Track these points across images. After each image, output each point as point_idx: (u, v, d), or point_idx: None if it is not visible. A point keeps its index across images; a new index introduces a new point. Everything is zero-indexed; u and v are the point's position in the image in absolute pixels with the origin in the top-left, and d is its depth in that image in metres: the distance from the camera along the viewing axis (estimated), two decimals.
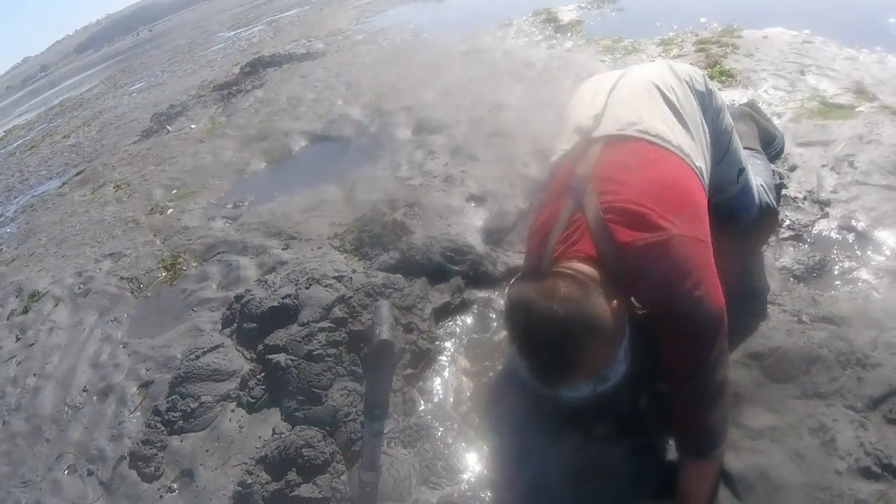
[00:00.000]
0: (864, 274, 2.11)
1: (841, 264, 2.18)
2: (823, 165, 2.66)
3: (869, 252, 2.19)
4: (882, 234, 2.24)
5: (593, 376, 1.56)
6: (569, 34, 5.86)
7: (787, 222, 2.40)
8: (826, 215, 2.39)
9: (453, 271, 2.67)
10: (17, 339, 3.59)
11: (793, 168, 2.69)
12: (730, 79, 3.70)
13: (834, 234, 2.31)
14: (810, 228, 2.35)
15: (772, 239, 2.36)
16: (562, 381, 1.52)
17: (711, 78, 3.66)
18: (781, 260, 2.25)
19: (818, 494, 1.52)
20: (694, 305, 1.48)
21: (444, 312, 2.53)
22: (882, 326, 1.87)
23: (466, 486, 1.83)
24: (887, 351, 1.78)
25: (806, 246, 2.29)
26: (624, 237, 1.53)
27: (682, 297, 1.49)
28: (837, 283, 2.12)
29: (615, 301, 1.51)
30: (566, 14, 6.46)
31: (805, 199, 2.50)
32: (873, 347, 1.81)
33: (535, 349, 1.49)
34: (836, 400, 1.72)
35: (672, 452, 1.71)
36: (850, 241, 2.26)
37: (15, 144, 12.31)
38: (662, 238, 1.50)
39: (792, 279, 2.16)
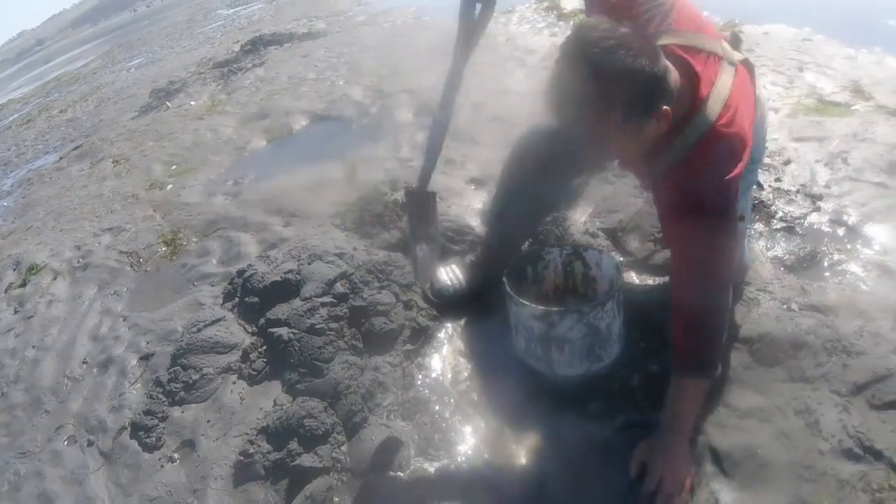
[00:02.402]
0: (852, 266, 2.17)
1: (831, 256, 2.24)
2: (818, 161, 2.72)
3: (858, 246, 2.26)
4: (872, 229, 2.30)
5: (593, 137, 1.51)
6: (571, 23, 5.87)
7: (780, 214, 2.46)
8: (818, 209, 2.46)
9: (453, 251, 2.72)
10: (16, 312, 3.61)
11: (787, 162, 2.74)
12: None
13: (825, 228, 2.38)
14: (802, 221, 2.42)
15: (764, 229, 2.42)
16: (565, 108, 1.47)
17: None
18: (773, 250, 2.31)
19: (802, 473, 1.59)
20: (724, 194, 1.50)
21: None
22: (868, 316, 1.94)
23: (463, 458, 1.88)
24: (872, 340, 1.85)
25: (797, 238, 2.35)
26: (731, 125, 1.50)
27: (712, 180, 1.50)
28: (827, 274, 2.18)
29: (668, 108, 1.43)
30: (569, 3, 6.46)
31: (798, 192, 2.56)
32: (859, 336, 1.87)
33: (562, 71, 1.42)
34: (822, 384, 1.78)
35: None
36: (841, 235, 2.33)
37: (11, 118, 12.19)
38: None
39: (783, 269, 2.23)
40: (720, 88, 1.54)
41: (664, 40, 1.55)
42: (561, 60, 1.43)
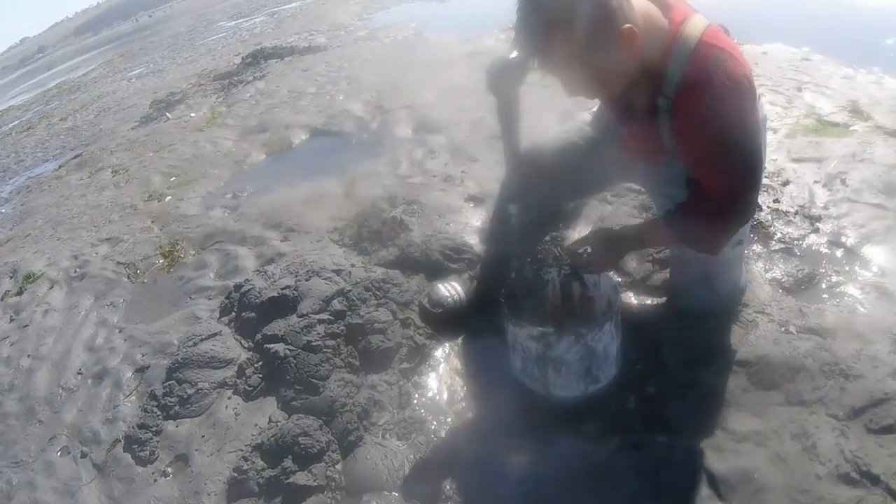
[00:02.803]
0: (850, 289, 2.17)
1: (829, 278, 2.24)
2: (816, 181, 2.73)
3: (856, 268, 2.26)
4: (870, 251, 2.30)
5: (559, 66, 1.50)
6: None
7: (779, 235, 2.47)
8: (816, 230, 2.46)
9: (451, 269, 2.71)
10: (12, 320, 3.60)
11: (786, 183, 2.75)
12: None
13: (823, 249, 2.38)
14: (801, 242, 2.42)
15: (763, 250, 2.42)
16: (526, 43, 1.48)
17: None
18: (771, 272, 2.31)
19: (799, 497, 1.58)
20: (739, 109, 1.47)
21: None
22: (866, 339, 1.94)
23: (459, 479, 1.86)
24: (870, 363, 1.85)
25: (796, 259, 2.35)
26: (714, 47, 1.46)
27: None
28: (825, 296, 2.18)
29: (630, 26, 1.40)
30: None
31: (797, 213, 2.56)
32: (856, 359, 1.87)
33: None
34: (819, 408, 1.78)
35: (658, 452, 1.77)
36: (839, 257, 2.33)
37: (11, 125, 12.21)
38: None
39: (781, 290, 2.23)
40: (697, 19, 1.51)
41: None
42: None
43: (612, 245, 1.89)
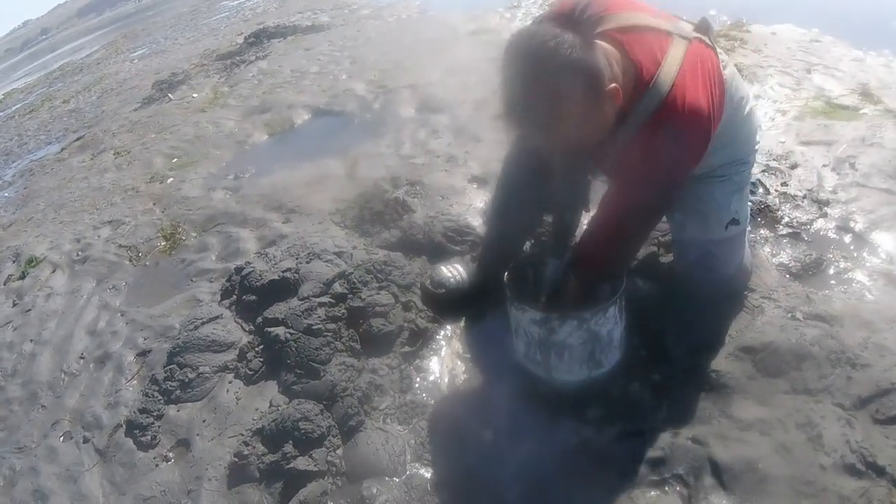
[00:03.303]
0: (858, 275, 2.14)
1: (836, 264, 2.21)
2: (825, 165, 2.68)
3: (864, 254, 2.23)
4: (878, 237, 2.27)
5: (558, 134, 1.57)
6: None
7: (786, 219, 2.43)
8: (825, 215, 2.42)
9: (454, 251, 2.69)
10: (14, 305, 3.59)
11: (794, 166, 2.71)
12: None
13: (831, 234, 2.34)
14: (808, 227, 2.38)
15: (770, 235, 2.38)
16: (525, 118, 1.55)
17: None
18: (778, 256, 2.28)
19: (803, 488, 1.56)
20: (678, 150, 1.60)
21: None
22: (873, 328, 1.91)
23: (460, 463, 1.86)
24: (877, 352, 1.82)
25: (803, 244, 2.32)
26: (684, 99, 1.55)
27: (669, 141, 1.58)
28: (832, 282, 2.15)
29: (616, 85, 1.50)
30: None
31: (805, 197, 2.52)
32: (863, 348, 1.84)
33: (512, 78, 1.50)
34: (825, 397, 1.75)
35: (661, 439, 1.76)
36: (847, 242, 2.30)
37: (14, 108, 12.18)
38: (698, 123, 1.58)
39: (788, 276, 2.20)
40: (669, 62, 1.57)
41: (602, 27, 1.58)
42: (513, 71, 1.50)
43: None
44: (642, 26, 1.62)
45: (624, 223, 1.76)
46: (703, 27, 1.76)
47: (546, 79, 1.43)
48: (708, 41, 1.74)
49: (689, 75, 1.58)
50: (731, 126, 1.82)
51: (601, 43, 1.53)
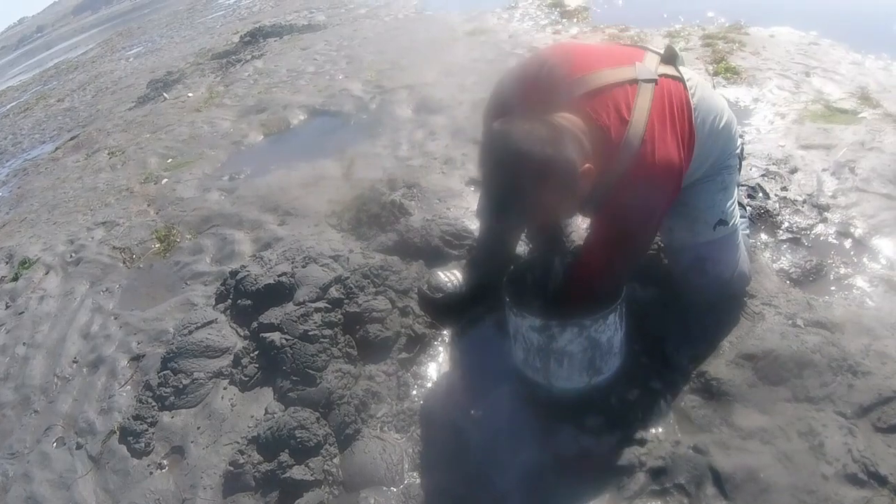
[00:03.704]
0: (859, 281, 2.13)
1: (837, 270, 2.20)
2: (824, 170, 2.67)
3: (865, 260, 2.22)
4: (879, 243, 2.26)
5: (542, 218, 1.80)
6: (575, 20, 5.82)
7: (786, 224, 2.42)
8: (825, 220, 2.41)
9: (451, 255, 2.66)
10: (7, 307, 3.55)
11: (794, 170, 2.69)
12: (735, 76, 3.69)
13: (831, 240, 2.33)
14: (808, 232, 2.37)
15: (770, 240, 2.37)
16: (510, 211, 1.64)
17: (716, 74, 3.66)
18: (779, 262, 2.26)
19: (805, 498, 1.55)
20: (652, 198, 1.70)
21: None
22: (874, 335, 1.90)
23: (457, 472, 1.84)
24: (878, 360, 1.81)
25: (803, 249, 2.31)
26: (654, 152, 1.63)
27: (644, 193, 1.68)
28: (833, 288, 2.14)
29: (589, 165, 1.58)
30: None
31: (805, 202, 2.51)
32: (865, 355, 1.83)
33: (492, 169, 1.62)
34: (827, 405, 1.74)
35: (662, 447, 1.74)
36: (847, 248, 2.28)
37: (8, 106, 12.07)
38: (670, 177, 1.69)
39: (788, 282, 2.18)
40: (636, 117, 1.64)
41: (569, 96, 1.67)
42: (495, 171, 1.61)
43: None
44: (607, 86, 1.67)
45: (610, 257, 1.82)
46: (669, 56, 1.83)
47: (526, 179, 1.52)
48: (675, 72, 1.80)
49: (658, 124, 1.65)
50: (706, 146, 1.85)
51: (568, 117, 1.62)
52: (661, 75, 1.73)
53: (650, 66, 1.75)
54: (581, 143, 1.59)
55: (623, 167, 1.63)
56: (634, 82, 1.68)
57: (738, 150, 2.06)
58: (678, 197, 1.85)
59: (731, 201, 2.00)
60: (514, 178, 1.54)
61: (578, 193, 1.61)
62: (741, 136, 2.10)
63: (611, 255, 1.80)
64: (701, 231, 1.96)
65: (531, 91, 1.76)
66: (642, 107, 1.65)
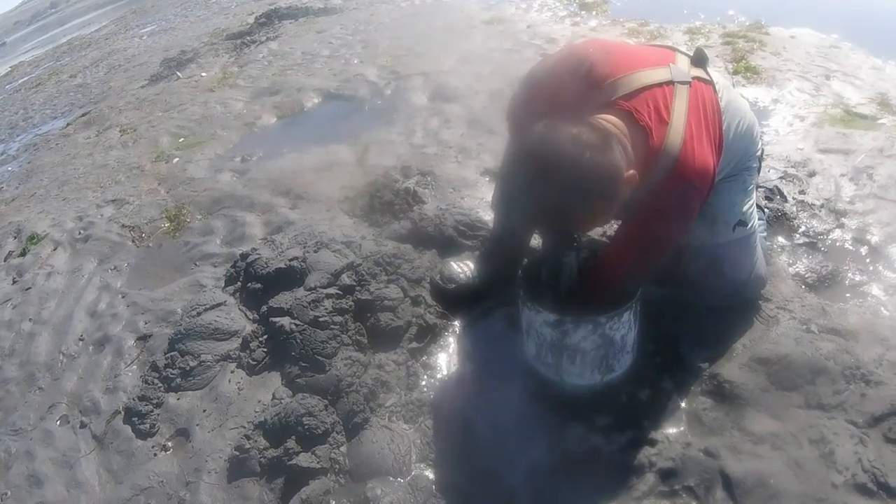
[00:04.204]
0: (874, 289, 2.12)
1: (852, 277, 2.18)
2: (843, 175, 2.65)
3: (880, 267, 2.20)
4: (894, 251, 2.23)
5: (582, 226, 1.77)
6: (594, 12, 5.76)
7: (803, 228, 2.40)
8: (842, 225, 2.39)
9: (464, 246, 2.65)
10: (14, 282, 3.54)
11: (812, 174, 2.67)
12: (755, 76, 3.65)
13: (848, 246, 2.31)
14: (825, 237, 2.35)
15: (787, 244, 2.35)
16: (549, 219, 1.66)
17: (737, 73, 3.62)
18: (795, 266, 2.25)
19: None
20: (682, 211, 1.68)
21: None
22: (889, 344, 1.89)
23: (465, 465, 1.83)
24: (891, 370, 1.80)
25: (819, 254, 2.29)
26: (693, 157, 1.62)
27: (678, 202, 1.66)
28: (847, 294, 2.12)
29: (633, 171, 1.56)
30: None
31: (822, 206, 2.49)
32: (878, 364, 1.82)
33: (533, 175, 1.55)
34: (839, 413, 1.73)
35: (672, 448, 1.73)
36: (863, 255, 2.27)
37: (20, 81, 12.03)
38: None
39: (803, 286, 2.17)
40: (676, 119, 1.63)
41: (611, 96, 1.65)
42: (537, 177, 1.53)
43: None
44: (646, 86, 1.66)
45: (637, 258, 1.79)
46: (699, 58, 1.82)
47: (572, 187, 1.48)
48: (705, 75, 1.79)
49: (695, 128, 1.65)
50: (731, 149, 1.84)
51: (611, 119, 1.61)
52: (693, 78, 1.72)
53: (683, 67, 1.74)
54: (625, 147, 1.57)
55: (663, 172, 1.62)
56: (670, 83, 1.67)
57: (759, 153, 2.04)
58: None
59: (751, 203, 1.99)
60: (559, 186, 1.49)
61: (621, 200, 1.58)
62: (761, 138, 2.07)
63: (639, 257, 1.77)
64: (720, 231, 1.94)
65: (569, 88, 1.72)
66: (680, 109, 1.64)
